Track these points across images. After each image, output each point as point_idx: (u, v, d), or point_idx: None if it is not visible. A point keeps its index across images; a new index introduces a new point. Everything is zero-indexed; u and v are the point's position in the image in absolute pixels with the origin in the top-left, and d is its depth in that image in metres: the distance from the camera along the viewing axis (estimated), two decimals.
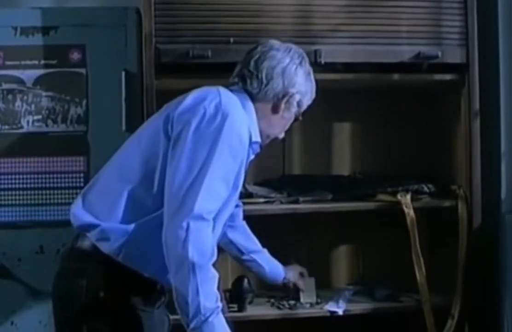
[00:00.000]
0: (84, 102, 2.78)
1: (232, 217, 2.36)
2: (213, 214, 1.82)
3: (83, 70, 2.79)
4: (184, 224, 1.75)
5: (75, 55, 2.79)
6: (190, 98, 1.93)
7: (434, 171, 3.04)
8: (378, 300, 2.82)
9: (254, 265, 2.57)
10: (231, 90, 2.01)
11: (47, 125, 2.78)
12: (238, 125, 1.88)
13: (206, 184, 1.79)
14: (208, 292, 1.76)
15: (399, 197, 2.74)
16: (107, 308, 1.87)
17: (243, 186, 2.74)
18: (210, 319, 1.75)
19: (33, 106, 2.78)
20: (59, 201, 2.75)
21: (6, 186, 2.77)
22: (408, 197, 2.74)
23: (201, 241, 1.77)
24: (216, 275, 1.81)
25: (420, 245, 2.71)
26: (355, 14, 2.69)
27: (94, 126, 2.78)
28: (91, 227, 1.90)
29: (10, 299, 2.75)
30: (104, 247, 1.88)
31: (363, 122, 3.11)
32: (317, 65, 2.64)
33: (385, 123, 3.11)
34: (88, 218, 1.92)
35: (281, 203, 2.77)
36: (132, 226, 1.87)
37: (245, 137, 1.91)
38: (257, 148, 2.04)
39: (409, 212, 2.70)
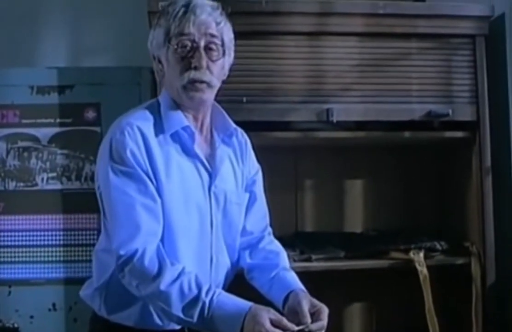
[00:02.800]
0: None
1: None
2: (137, 237, 1.73)
3: (98, 129, 2.83)
4: (121, 275, 1.74)
5: (90, 114, 2.83)
6: None
7: (446, 228, 3.03)
8: None
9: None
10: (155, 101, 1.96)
11: (61, 183, 2.82)
12: (118, 141, 1.78)
13: (116, 222, 1.76)
14: (190, 287, 1.71)
15: (411, 254, 2.73)
16: None
17: None
18: (214, 298, 1.70)
19: (48, 164, 2.81)
20: (73, 258, 2.77)
21: (20, 243, 2.79)
22: (421, 254, 2.73)
23: (141, 275, 1.72)
24: (178, 269, 1.73)
25: (434, 302, 2.69)
26: (366, 73, 2.72)
27: None
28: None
29: None
30: (95, 307, 1.90)
31: (375, 180, 3.12)
32: (329, 124, 2.67)
33: (397, 181, 3.11)
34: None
35: (294, 260, 2.76)
36: (104, 282, 1.87)
37: (131, 145, 1.78)
38: (190, 132, 1.87)
39: (422, 270, 2.69)
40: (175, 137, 1.87)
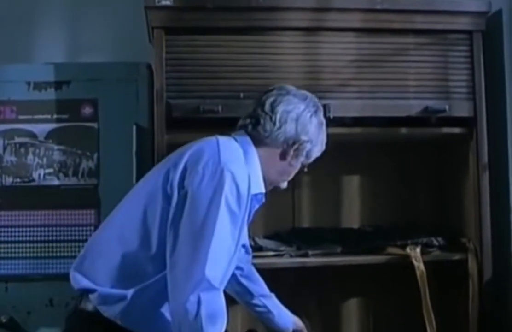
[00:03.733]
0: (95, 156, 2.81)
1: (240, 261, 2.31)
2: (220, 280, 1.77)
3: (94, 124, 2.82)
4: (193, 298, 1.71)
5: (87, 110, 2.82)
6: (188, 155, 1.89)
7: (443, 224, 3.04)
8: None
9: (263, 310, 2.44)
10: (234, 138, 1.99)
11: (58, 179, 2.81)
12: (236, 183, 1.82)
13: (212, 250, 1.74)
14: None
15: (408, 250, 2.73)
16: None
17: (253, 239, 2.76)
18: None
19: (45, 159, 2.81)
20: (70, 254, 2.76)
21: (16, 239, 2.78)
22: (418, 250, 2.73)
23: (215, 314, 1.74)
24: None
25: (430, 298, 2.69)
26: (363, 69, 2.73)
27: (105, 180, 2.80)
28: (89, 291, 1.87)
29: None
30: (104, 311, 1.85)
31: (372, 175, 3.13)
32: (326, 119, 2.66)
33: (394, 176, 3.12)
34: (85, 283, 1.88)
35: (291, 256, 2.76)
36: (130, 292, 1.83)
37: (244, 193, 1.84)
38: (261, 198, 2.01)
39: (419, 266, 2.69)
40: (258, 196, 2.00)
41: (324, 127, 2.12)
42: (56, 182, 2.81)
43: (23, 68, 2.87)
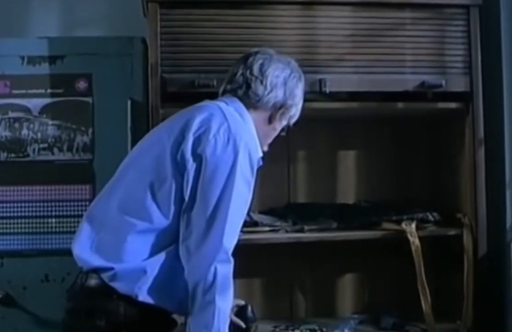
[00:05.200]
0: (90, 131, 2.80)
1: None
2: (232, 250, 1.82)
3: (89, 99, 2.81)
4: (212, 269, 1.75)
5: (82, 84, 2.81)
6: (196, 124, 1.87)
7: (439, 199, 3.04)
8: (384, 329, 2.81)
9: None
10: (226, 103, 1.98)
11: (53, 154, 2.80)
12: (250, 151, 1.86)
13: (229, 221, 1.79)
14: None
15: (404, 225, 2.74)
16: None
17: (248, 214, 2.75)
18: None
19: (39, 134, 2.80)
20: (65, 229, 2.75)
21: (11, 214, 2.78)
22: (413, 225, 2.73)
23: (228, 286, 1.79)
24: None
25: (426, 273, 2.70)
26: (360, 43, 2.71)
27: (100, 154, 2.79)
28: (102, 269, 1.84)
29: (15, 328, 2.74)
30: (120, 288, 1.83)
31: (368, 151, 3.12)
32: (322, 94, 2.66)
33: (390, 152, 3.11)
34: (98, 261, 1.86)
35: (286, 231, 2.76)
36: (147, 263, 1.83)
37: (255, 161, 1.90)
38: (260, 162, 2.00)
39: (414, 241, 2.69)
40: (258, 161, 1.98)
41: (304, 94, 2.14)
42: (50, 157, 2.80)
43: (17, 43, 2.85)
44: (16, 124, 2.79)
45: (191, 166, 1.82)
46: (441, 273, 2.98)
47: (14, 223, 2.78)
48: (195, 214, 1.80)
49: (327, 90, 2.64)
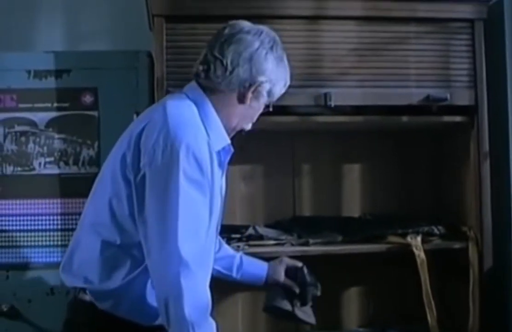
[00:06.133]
0: (96, 144, 2.81)
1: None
2: (199, 257, 1.71)
3: (95, 113, 2.82)
4: (175, 282, 1.67)
5: (87, 98, 2.82)
6: (139, 132, 1.80)
7: (444, 212, 3.04)
8: None
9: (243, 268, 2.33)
10: (186, 94, 1.90)
11: (59, 167, 2.81)
12: (193, 152, 1.73)
13: (181, 228, 1.68)
14: None
15: (409, 239, 2.73)
16: None
17: (253, 228, 2.76)
18: None
19: (45, 148, 2.81)
20: None
21: (17, 227, 2.79)
22: (419, 239, 2.73)
23: (196, 296, 1.70)
24: (214, 323, 1.76)
25: (431, 287, 2.69)
26: (364, 57, 2.71)
27: None
28: (84, 287, 1.86)
29: None
30: (100, 305, 1.84)
31: (372, 164, 3.12)
32: (326, 108, 2.66)
33: (394, 165, 3.11)
34: (78, 281, 1.87)
35: (292, 245, 2.76)
36: (122, 283, 1.81)
37: (205, 156, 1.77)
38: (229, 149, 1.92)
39: (420, 254, 2.69)
40: (222, 153, 1.90)
41: (285, 61, 1.98)
42: (56, 171, 2.81)
43: (23, 57, 2.87)
44: (23, 138, 2.81)
45: (136, 179, 1.76)
46: (446, 286, 2.98)
47: (20, 236, 2.79)
48: (148, 229, 1.73)
49: (332, 104, 2.64)
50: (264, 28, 1.96)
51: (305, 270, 2.31)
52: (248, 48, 1.88)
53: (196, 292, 1.71)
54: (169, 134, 1.74)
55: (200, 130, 1.81)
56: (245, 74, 1.88)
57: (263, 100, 1.96)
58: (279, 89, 1.98)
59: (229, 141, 1.92)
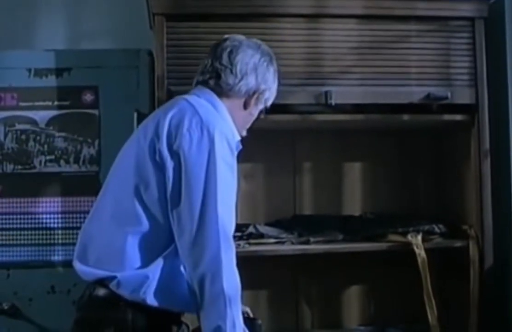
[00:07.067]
0: (96, 142, 2.81)
1: None
2: (231, 235, 1.82)
3: (95, 111, 2.82)
4: (216, 258, 1.75)
5: (88, 97, 2.82)
6: (167, 121, 1.86)
7: (444, 211, 3.04)
8: None
9: None
10: (197, 95, 1.98)
11: (59, 166, 2.81)
12: (226, 137, 1.86)
13: (220, 206, 1.78)
14: (241, 325, 1.79)
15: (410, 237, 2.73)
16: None
17: (254, 226, 2.77)
18: None
19: (46, 146, 2.81)
20: (71, 241, 2.75)
21: (18, 226, 2.79)
22: (419, 237, 2.73)
23: (232, 272, 1.79)
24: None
25: (432, 285, 2.70)
26: (365, 56, 2.72)
27: (107, 166, 2.73)
28: (108, 279, 1.85)
29: None
30: (127, 294, 1.83)
31: (373, 163, 3.13)
32: (327, 106, 2.66)
33: (395, 164, 3.12)
34: (102, 273, 1.86)
35: (292, 243, 2.76)
36: (150, 268, 1.83)
37: (234, 144, 1.91)
38: (239, 145, 2.02)
39: (420, 253, 2.69)
40: (236, 145, 1.99)
41: (277, 75, 2.12)
42: (57, 169, 2.81)
43: (24, 55, 2.87)
44: (23, 136, 2.81)
45: (170, 163, 1.82)
46: (447, 285, 2.98)
47: (20, 234, 2.79)
48: (183, 210, 1.80)
49: (333, 103, 2.64)
50: (260, 42, 2.10)
51: (259, 321, 2.23)
52: (252, 59, 2.02)
53: (232, 268, 1.80)
54: (202, 120, 1.84)
55: (227, 120, 1.97)
56: (252, 83, 2.02)
57: (260, 107, 2.09)
58: (272, 99, 2.13)
59: (239, 137, 2.02)
